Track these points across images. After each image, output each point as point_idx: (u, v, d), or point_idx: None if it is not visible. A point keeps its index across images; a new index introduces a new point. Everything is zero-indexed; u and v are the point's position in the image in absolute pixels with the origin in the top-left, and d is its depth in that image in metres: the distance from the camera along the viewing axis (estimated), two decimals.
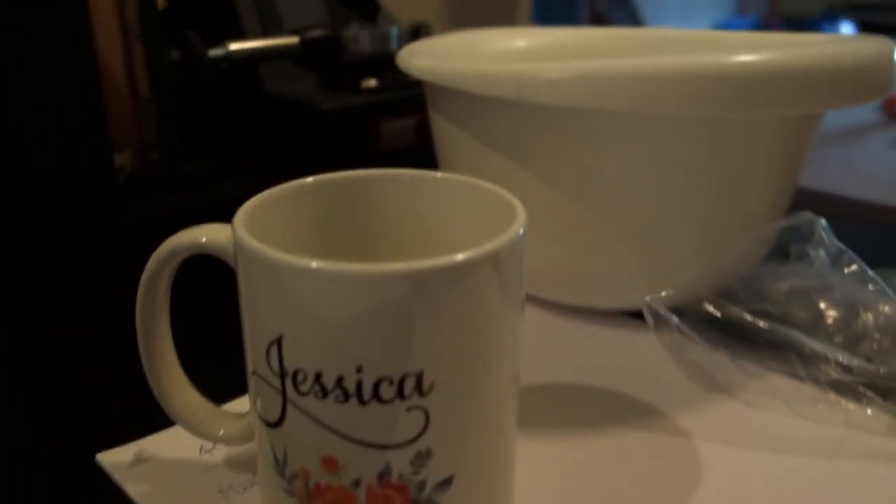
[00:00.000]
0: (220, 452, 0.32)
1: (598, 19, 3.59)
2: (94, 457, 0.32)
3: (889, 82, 0.36)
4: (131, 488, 0.30)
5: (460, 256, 0.23)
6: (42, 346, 0.41)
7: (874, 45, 0.36)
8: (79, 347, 0.41)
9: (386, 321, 0.23)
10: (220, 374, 0.31)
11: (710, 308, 0.36)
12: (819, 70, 0.33)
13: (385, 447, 0.24)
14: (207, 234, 0.27)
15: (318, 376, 0.23)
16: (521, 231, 0.25)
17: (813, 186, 0.63)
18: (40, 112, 0.46)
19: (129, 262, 0.31)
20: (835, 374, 0.34)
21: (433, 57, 0.44)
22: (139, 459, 0.31)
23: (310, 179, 0.29)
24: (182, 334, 0.30)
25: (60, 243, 0.49)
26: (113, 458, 0.31)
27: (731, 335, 0.36)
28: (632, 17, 3.77)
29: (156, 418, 0.30)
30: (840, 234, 0.39)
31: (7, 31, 0.45)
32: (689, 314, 0.36)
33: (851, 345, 0.37)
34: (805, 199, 0.40)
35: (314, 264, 0.23)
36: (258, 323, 0.25)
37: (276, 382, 0.24)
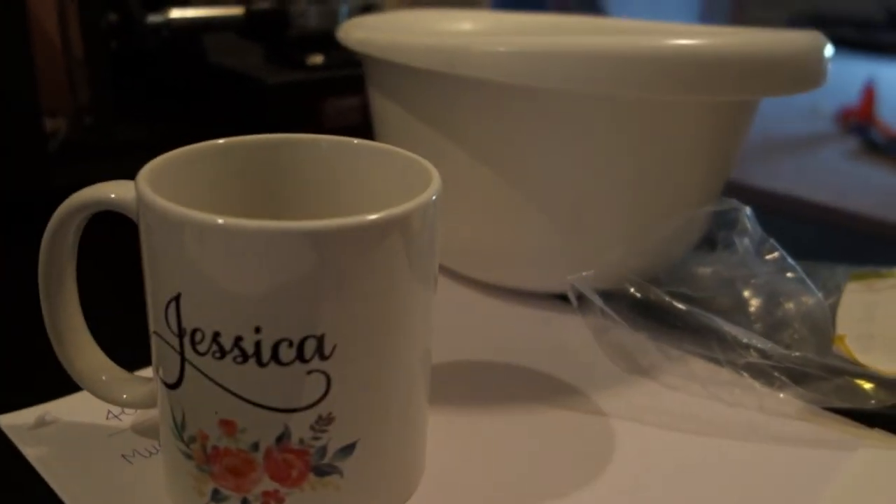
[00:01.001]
0: (128, 418, 0.31)
1: None
2: None
3: (819, 75, 0.37)
4: (30, 451, 0.29)
5: (367, 217, 0.23)
6: None
7: (806, 38, 0.37)
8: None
9: (286, 282, 0.22)
10: (133, 342, 0.30)
11: (633, 290, 0.36)
12: (749, 57, 0.34)
13: (284, 410, 0.24)
14: (116, 191, 0.26)
15: (215, 336, 0.23)
16: (434, 197, 0.25)
17: (764, 186, 0.64)
18: None
19: None
20: (751, 358, 0.34)
21: (374, 31, 0.43)
22: (41, 422, 0.30)
23: (221, 141, 0.28)
24: (96, 297, 0.29)
25: None
26: (13, 421, 0.30)
27: (654, 319, 0.37)
28: None
29: (62, 383, 0.29)
30: (779, 229, 0.40)
31: None
32: (613, 296, 0.36)
33: (772, 332, 0.38)
34: (738, 195, 0.40)
35: (214, 220, 0.22)
36: (157, 280, 0.24)
37: (175, 342, 0.24)
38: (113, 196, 0.26)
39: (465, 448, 0.31)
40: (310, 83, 0.58)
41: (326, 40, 0.59)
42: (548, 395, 0.34)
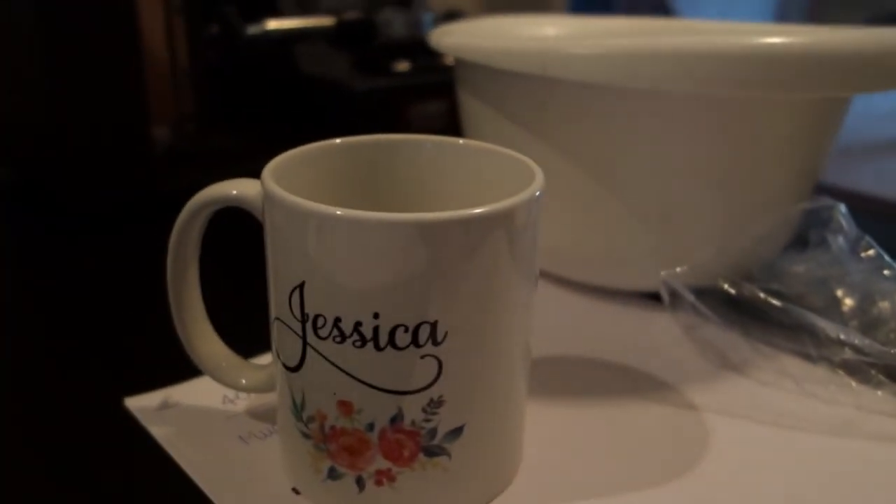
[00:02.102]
0: (242, 402, 0.33)
1: None
2: (123, 401, 0.33)
3: None
4: (156, 431, 0.31)
5: (476, 210, 0.24)
6: (80, 302, 0.43)
7: None
8: (114, 302, 0.42)
9: (401, 270, 0.24)
10: (247, 331, 0.32)
11: (726, 286, 0.36)
12: (840, 54, 0.34)
13: (398, 393, 0.25)
14: (237, 188, 0.28)
15: (336, 321, 0.25)
16: (538, 193, 0.26)
17: (847, 187, 0.63)
18: (83, 83, 0.48)
19: (163, 229, 0.32)
20: (847, 354, 0.34)
21: (465, 36, 0.45)
22: (165, 405, 0.33)
23: (337, 141, 0.30)
24: (213, 289, 0.31)
25: (99, 210, 0.51)
26: (140, 403, 0.33)
27: (746, 314, 0.37)
28: None
29: (184, 368, 0.32)
30: (867, 230, 0.39)
31: (54, 5, 0.46)
32: (705, 293, 0.37)
33: (867, 331, 0.37)
34: (841, 198, 0.40)
35: (337, 212, 0.24)
36: (282, 270, 0.26)
37: (297, 327, 0.26)
38: (235, 192, 0.28)
39: (560, 440, 0.32)
40: (396, 89, 0.60)
41: (412, 48, 0.61)
42: (640, 390, 0.35)
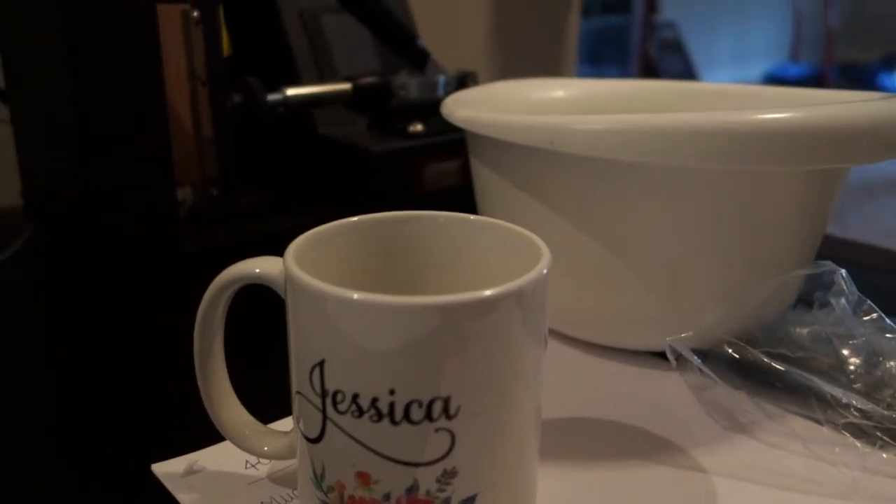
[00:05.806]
0: (264, 468, 0.34)
1: (649, 65, 3.62)
2: (150, 467, 0.34)
3: None
4: (182, 497, 0.32)
5: (487, 292, 0.26)
6: (107, 365, 0.44)
7: (890, 106, 0.37)
8: (141, 366, 0.44)
9: (417, 349, 0.25)
10: (267, 396, 0.34)
11: (730, 350, 0.37)
12: (835, 128, 0.35)
13: (413, 465, 0.26)
14: (260, 266, 0.30)
15: (354, 397, 0.26)
16: (545, 271, 0.27)
17: (842, 235, 0.64)
18: (112, 148, 0.51)
19: (189, 289, 0.34)
20: (851, 417, 0.35)
21: (474, 107, 0.47)
22: (190, 471, 0.34)
23: (354, 219, 0.32)
24: (236, 357, 0.33)
25: (127, 270, 0.53)
26: (166, 469, 0.34)
27: (752, 377, 0.38)
28: (684, 64, 3.79)
29: (208, 434, 0.33)
30: (865, 281, 0.41)
31: (86, 76, 0.49)
32: (711, 356, 0.38)
33: (872, 391, 0.38)
34: (835, 248, 0.41)
35: (355, 296, 0.25)
36: (303, 348, 0.27)
37: (318, 402, 0.27)
38: (258, 271, 0.30)
39: (571, 503, 0.33)
40: (411, 150, 0.62)
41: (426, 109, 0.63)
42: (648, 450, 0.36)
